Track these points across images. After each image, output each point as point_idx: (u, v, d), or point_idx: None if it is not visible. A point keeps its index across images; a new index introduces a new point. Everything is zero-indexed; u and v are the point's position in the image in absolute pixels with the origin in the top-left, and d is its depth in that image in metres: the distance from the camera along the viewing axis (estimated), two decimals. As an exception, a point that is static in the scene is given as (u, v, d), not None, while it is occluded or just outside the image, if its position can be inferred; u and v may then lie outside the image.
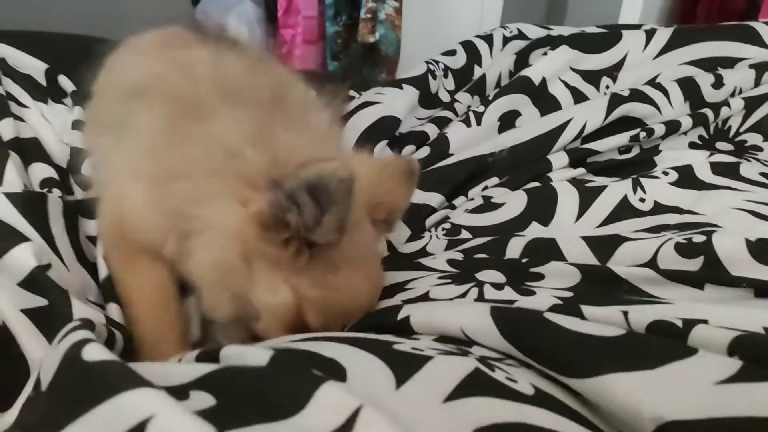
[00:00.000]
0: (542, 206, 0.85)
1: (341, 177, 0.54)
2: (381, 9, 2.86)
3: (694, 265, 0.63)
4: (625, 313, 0.53)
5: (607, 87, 1.15)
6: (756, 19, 2.68)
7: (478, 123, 1.06)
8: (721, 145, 1.10)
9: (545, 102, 1.11)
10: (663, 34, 1.21)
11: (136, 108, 0.72)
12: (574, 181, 0.90)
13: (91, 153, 0.84)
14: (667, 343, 0.48)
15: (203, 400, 0.39)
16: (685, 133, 1.09)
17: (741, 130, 1.13)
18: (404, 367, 0.44)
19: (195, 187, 0.63)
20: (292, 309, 0.60)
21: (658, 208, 0.82)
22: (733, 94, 1.13)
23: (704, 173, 0.88)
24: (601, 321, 0.53)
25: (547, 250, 0.70)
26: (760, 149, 1.08)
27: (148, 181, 0.67)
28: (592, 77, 1.16)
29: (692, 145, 1.08)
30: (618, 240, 0.68)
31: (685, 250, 0.64)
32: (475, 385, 0.44)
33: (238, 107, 0.67)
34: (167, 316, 0.67)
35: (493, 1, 3.06)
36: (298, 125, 0.69)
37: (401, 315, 0.57)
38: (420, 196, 0.91)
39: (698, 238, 0.65)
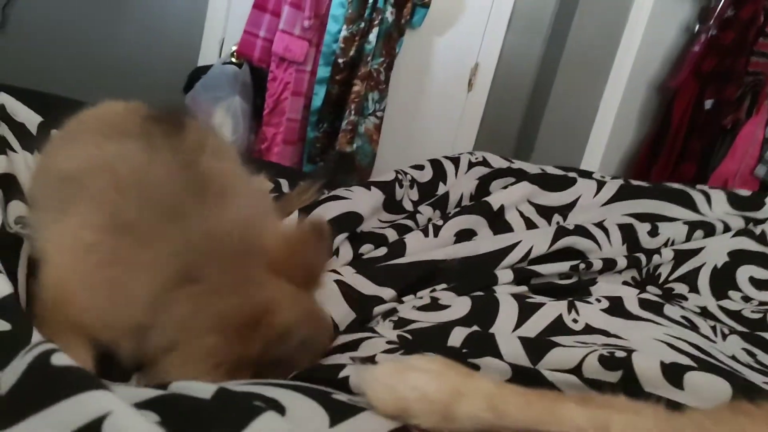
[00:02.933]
0: (485, 313, 0.92)
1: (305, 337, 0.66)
2: (362, 123, 3.03)
3: (613, 377, 0.70)
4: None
5: (558, 223, 1.27)
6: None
7: (435, 235, 1.15)
8: (650, 288, 1.20)
9: (500, 226, 1.22)
10: (612, 186, 1.35)
11: (68, 204, 0.73)
12: (516, 296, 0.98)
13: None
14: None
15: (149, 416, 0.43)
16: (620, 272, 1.19)
17: (670, 278, 1.24)
18: (339, 411, 0.50)
19: (150, 313, 0.66)
20: None
21: (588, 330, 0.90)
22: (666, 244, 1.25)
23: (632, 306, 0.97)
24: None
25: (485, 344, 0.76)
26: (686, 299, 1.19)
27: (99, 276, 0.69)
28: (546, 212, 1.28)
29: (625, 284, 1.18)
30: (550, 344, 0.76)
31: (606, 362, 0.71)
32: (403, 437, 0.50)
33: (167, 228, 0.69)
34: None
35: (467, 134, 3.28)
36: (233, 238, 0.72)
37: (342, 374, 0.62)
38: (372, 289, 0.98)
39: (620, 354, 0.72)
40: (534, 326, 0.90)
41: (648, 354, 0.72)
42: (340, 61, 2.93)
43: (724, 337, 1.00)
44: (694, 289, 1.22)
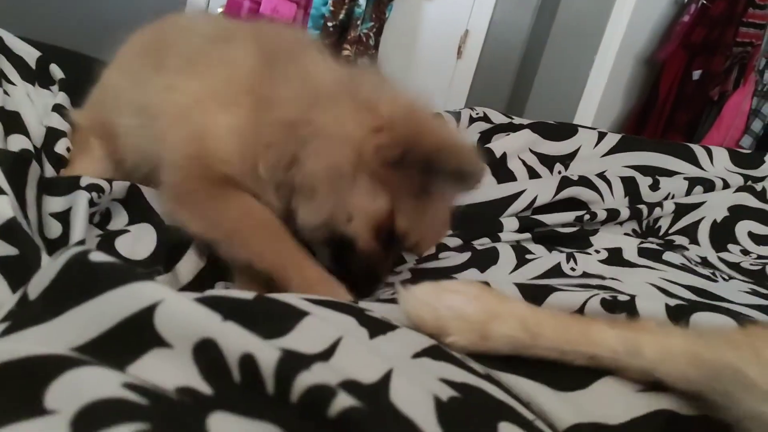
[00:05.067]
0: (483, 258, 0.91)
1: (478, 175, 0.69)
2: (350, 89, 3.00)
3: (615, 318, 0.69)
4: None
5: (560, 172, 1.26)
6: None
7: (440, 181, 1.13)
8: (651, 240, 1.21)
9: (503, 174, 1.20)
10: (612, 138, 1.34)
11: (223, 48, 0.79)
12: (516, 246, 0.97)
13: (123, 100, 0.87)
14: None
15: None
16: (621, 224, 1.18)
17: (670, 231, 1.24)
18: (376, 326, 0.48)
19: (309, 98, 0.69)
20: (385, 214, 0.69)
21: (585, 275, 0.90)
22: (666, 198, 1.25)
23: (631, 255, 0.98)
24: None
25: None
26: (686, 249, 1.19)
27: (243, 108, 0.72)
28: (548, 161, 1.27)
29: (626, 235, 1.18)
30: (549, 289, 0.75)
31: (609, 305, 0.70)
32: (438, 353, 0.49)
33: (323, 54, 0.76)
34: (284, 233, 0.70)
35: (456, 103, 3.26)
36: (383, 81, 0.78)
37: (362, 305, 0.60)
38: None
39: (623, 297, 0.71)
40: (531, 271, 0.89)
41: (652, 297, 0.72)
42: (329, 24, 2.88)
43: (726, 280, 1.01)
44: (694, 241, 1.23)
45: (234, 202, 0.71)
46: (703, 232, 1.24)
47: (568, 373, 0.52)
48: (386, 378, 0.38)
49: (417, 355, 0.46)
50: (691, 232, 1.24)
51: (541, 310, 0.56)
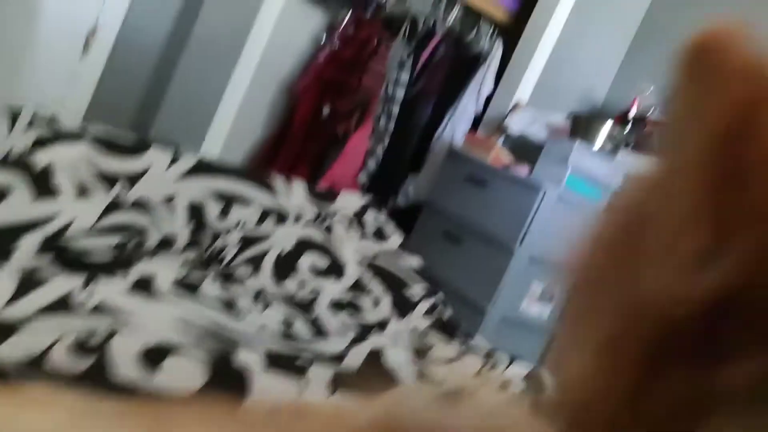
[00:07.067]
0: None
1: None
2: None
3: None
4: None
5: (117, 195, 1.13)
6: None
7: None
8: (213, 269, 1.16)
9: (43, 190, 1.03)
10: (189, 161, 1.27)
11: None
12: (25, 271, 0.83)
13: None
14: None
15: None
16: (182, 251, 1.12)
17: (235, 261, 1.21)
18: None
19: None
20: None
21: (100, 309, 0.80)
22: (237, 227, 1.23)
23: (163, 285, 0.92)
24: None
25: None
26: (246, 279, 1.17)
27: None
28: (107, 179, 1.13)
29: (185, 264, 1.11)
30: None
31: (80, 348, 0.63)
32: None
33: None
34: None
35: (77, 101, 2.95)
36: None
37: None
38: None
39: (95, 341, 0.65)
40: (33, 303, 0.76)
41: (134, 337, 0.67)
42: None
43: (266, 307, 1.02)
44: (258, 271, 1.22)
45: None
46: (268, 264, 1.24)
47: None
48: None
49: None
50: (256, 262, 1.23)
51: None
